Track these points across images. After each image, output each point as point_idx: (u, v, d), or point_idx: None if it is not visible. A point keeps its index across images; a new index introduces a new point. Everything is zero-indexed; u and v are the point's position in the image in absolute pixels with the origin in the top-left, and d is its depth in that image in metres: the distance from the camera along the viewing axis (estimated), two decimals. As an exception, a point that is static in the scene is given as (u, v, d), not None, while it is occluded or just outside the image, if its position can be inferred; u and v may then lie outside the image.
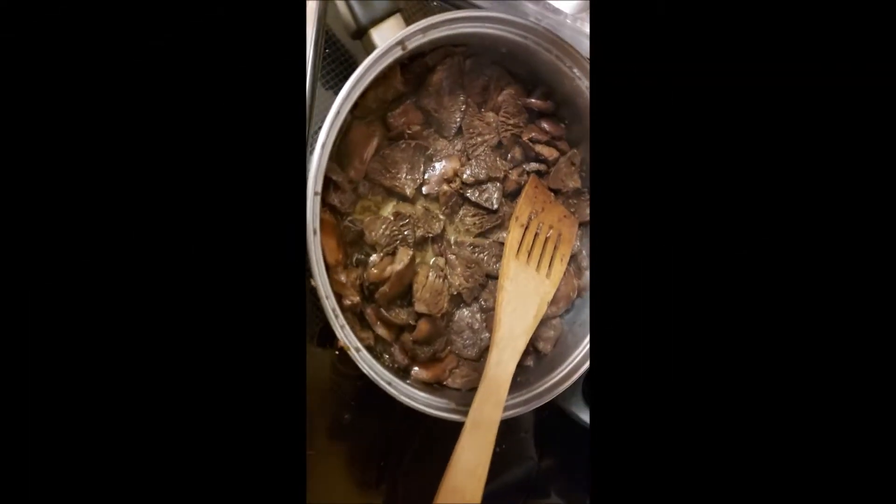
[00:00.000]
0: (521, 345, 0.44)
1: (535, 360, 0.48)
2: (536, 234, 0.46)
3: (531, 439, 0.54)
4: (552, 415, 0.49)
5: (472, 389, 0.43)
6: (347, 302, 0.39)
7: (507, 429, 0.52)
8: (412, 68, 0.42)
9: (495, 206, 0.45)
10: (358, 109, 0.41)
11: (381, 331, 0.42)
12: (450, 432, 0.40)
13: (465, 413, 0.41)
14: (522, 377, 0.47)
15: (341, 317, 0.36)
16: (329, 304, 0.35)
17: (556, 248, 0.46)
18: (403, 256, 0.41)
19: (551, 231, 0.46)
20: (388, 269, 0.40)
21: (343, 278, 0.39)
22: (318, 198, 0.35)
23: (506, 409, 0.42)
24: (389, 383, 0.38)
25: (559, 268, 0.46)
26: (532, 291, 0.45)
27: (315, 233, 0.35)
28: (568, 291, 0.48)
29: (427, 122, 0.43)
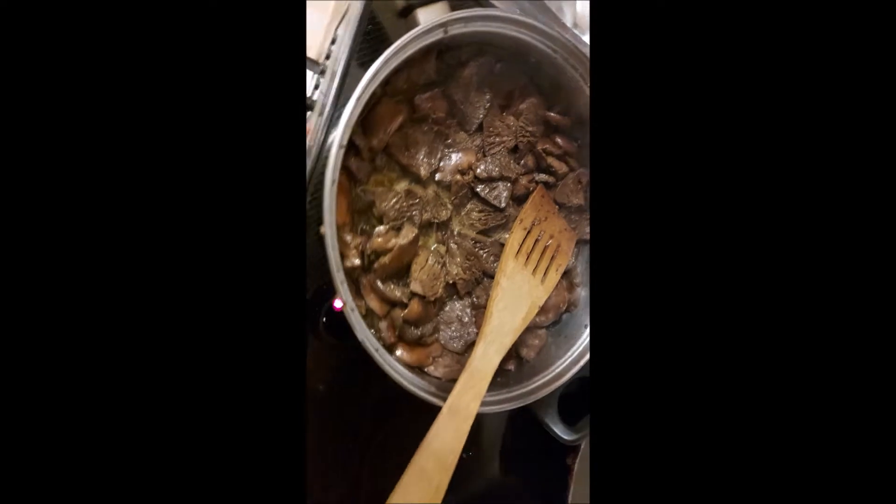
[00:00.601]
0: (508, 342, 0.43)
1: (516, 365, 0.47)
2: (537, 240, 0.46)
3: (497, 453, 0.53)
4: (525, 424, 0.48)
5: (452, 381, 0.42)
6: (348, 264, 0.38)
7: (476, 436, 0.50)
8: (446, 59, 0.43)
9: (503, 205, 0.46)
10: (389, 86, 0.42)
11: (373, 303, 0.41)
12: (425, 416, 0.39)
13: (444, 399, 0.40)
14: (502, 378, 0.46)
15: (342, 272, 0.36)
16: (334, 255, 0.35)
17: (553, 257, 0.47)
18: (409, 233, 0.41)
19: (551, 240, 0.47)
20: (393, 241, 0.40)
21: (348, 238, 0.39)
22: (343, 151, 0.35)
23: (483, 404, 0.41)
24: (377, 350, 0.37)
25: (554, 276, 0.47)
26: (525, 293, 0.45)
27: (333, 182, 0.34)
28: (558, 303, 0.49)
29: (451, 112, 0.45)
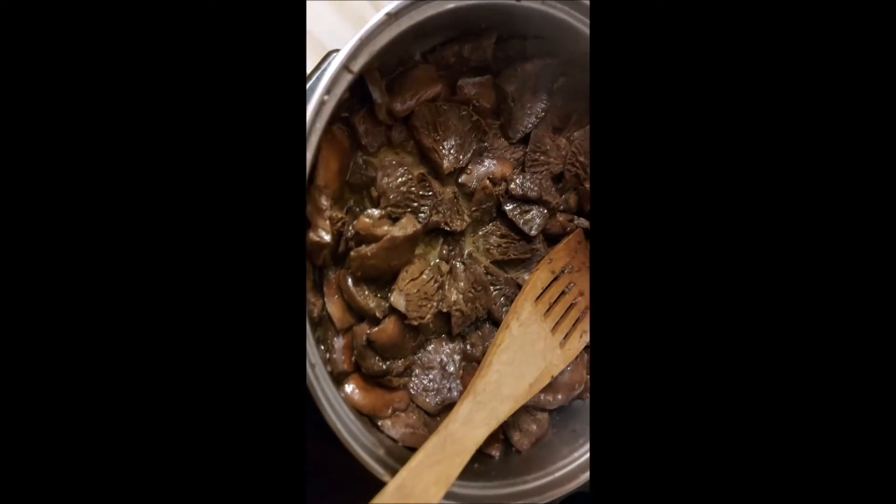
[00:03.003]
0: (503, 412, 0.28)
1: (501, 453, 0.32)
2: (564, 293, 0.33)
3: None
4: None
5: (412, 449, 0.27)
6: (313, 236, 0.25)
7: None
8: (508, 48, 0.33)
9: (532, 234, 0.33)
10: (434, 56, 0.31)
11: (335, 307, 0.27)
12: (357, 486, 0.23)
13: (394, 472, 0.24)
14: (481, 465, 0.30)
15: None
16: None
17: (579, 320, 0.33)
18: (408, 225, 0.28)
19: (580, 298, 0.34)
20: (385, 228, 0.27)
21: (324, 203, 0.26)
22: (349, 78, 0.24)
23: (448, 495, 0.26)
24: (313, 366, 0.23)
25: (576, 344, 0.33)
26: (539, 351, 0.31)
27: (322, 104, 0.22)
28: (573, 382, 0.34)
29: (498, 109, 0.34)
